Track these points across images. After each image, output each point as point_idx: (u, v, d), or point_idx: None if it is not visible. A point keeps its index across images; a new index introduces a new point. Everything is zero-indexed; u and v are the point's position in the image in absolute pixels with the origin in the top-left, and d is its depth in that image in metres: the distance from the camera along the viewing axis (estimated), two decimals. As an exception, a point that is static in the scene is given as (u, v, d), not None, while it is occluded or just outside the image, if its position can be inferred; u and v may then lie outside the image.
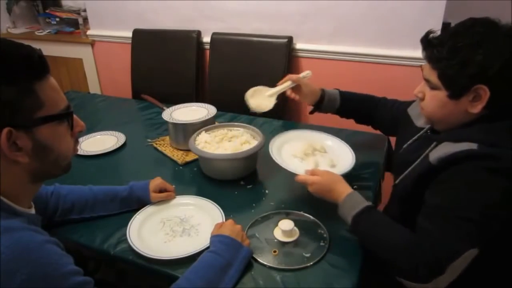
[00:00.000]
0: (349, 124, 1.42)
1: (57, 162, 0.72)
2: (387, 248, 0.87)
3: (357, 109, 1.36)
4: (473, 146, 0.81)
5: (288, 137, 1.26)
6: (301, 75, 1.32)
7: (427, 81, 0.91)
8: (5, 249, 0.57)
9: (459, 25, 0.86)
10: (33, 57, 0.64)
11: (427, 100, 0.92)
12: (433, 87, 0.89)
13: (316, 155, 1.19)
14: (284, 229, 0.95)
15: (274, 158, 1.12)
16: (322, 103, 1.32)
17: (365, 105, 1.35)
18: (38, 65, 0.65)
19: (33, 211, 0.76)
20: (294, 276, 0.87)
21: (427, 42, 0.88)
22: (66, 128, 0.71)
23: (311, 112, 1.37)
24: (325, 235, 0.98)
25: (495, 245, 0.85)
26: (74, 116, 0.74)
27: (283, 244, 0.95)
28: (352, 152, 1.19)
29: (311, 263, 0.90)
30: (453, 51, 0.82)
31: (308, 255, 0.92)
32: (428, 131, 1.02)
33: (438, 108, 0.89)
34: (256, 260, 0.91)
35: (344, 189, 0.96)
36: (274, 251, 0.94)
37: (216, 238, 0.90)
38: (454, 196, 0.81)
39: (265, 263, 0.90)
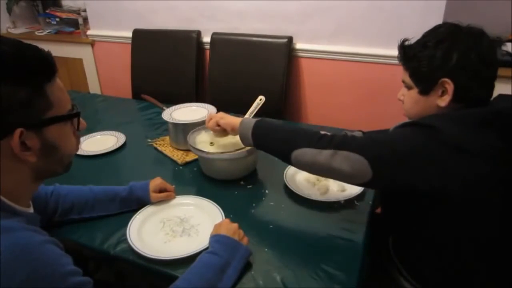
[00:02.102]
0: (350, 124, 1.41)
1: (61, 161, 0.73)
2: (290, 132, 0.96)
3: None
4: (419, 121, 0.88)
5: None
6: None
7: (403, 82, 1.00)
8: (4, 249, 0.57)
9: (428, 30, 0.95)
10: (46, 59, 0.66)
11: (405, 100, 1.00)
12: (407, 87, 0.98)
13: (329, 180, 1.20)
14: None
15: (288, 185, 1.17)
16: None
17: None
18: (48, 67, 0.66)
19: (31, 210, 0.76)
20: (294, 276, 0.87)
21: (400, 46, 0.99)
22: (71, 128, 0.72)
23: None
24: None
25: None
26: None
27: None
28: None
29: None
30: (421, 49, 0.91)
31: None
32: None
33: (412, 105, 0.98)
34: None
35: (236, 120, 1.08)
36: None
37: (213, 239, 0.90)
38: (389, 135, 0.91)
39: None
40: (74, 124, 0.73)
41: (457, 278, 0.91)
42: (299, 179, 1.23)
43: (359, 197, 1.13)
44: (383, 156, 0.84)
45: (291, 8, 1.91)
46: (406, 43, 0.98)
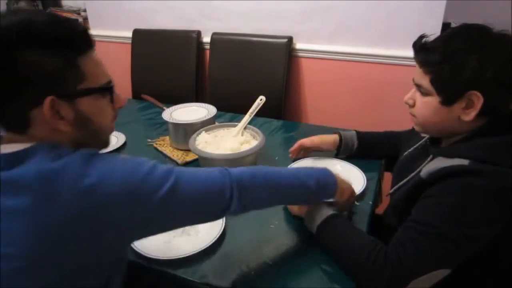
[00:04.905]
0: (349, 124, 1.41)
1: (97, 135, 0.74)
2: (350, 252, 0.86)
3: (375, 149, 1.32)
4: (464, 162, 0.79)
5: (300, 165, 1.28)
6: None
7: (418, 86, 0.89)
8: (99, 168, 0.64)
9: (453, 30, 0.85)
10: (77, 31, 0.67)
11: (419, 107, 0.90)
12: (424, 93, 0.87)
13: None
14: None
15: None
16: (340, 149, 1.30)
17: (385, 142, 1.31)
18: (82, 40, 0.68)
19: None
20: (294, 276, 0.87)
21: (420, 46, 0.86)
22: (107, 102, 0.74)
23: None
24: None
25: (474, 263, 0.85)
26: (116, 92, 0.77)
27: None
28: (364, 175, 1.20)
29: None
30: (447, 55, 0.80)
31: None
32: (427, 141, 1.00)
33: (430, 115, 0.88)
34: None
35: None
36: None
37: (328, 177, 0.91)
38: (435, 213, 0.80)
39: None
40: (110, 100, 0.74)
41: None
42: None
43: (359, 197, 1.13)
44: (463, 249, 0.78)
45: (291, 8, 1.91)
46: (424, 40, 0.85)
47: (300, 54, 1.99)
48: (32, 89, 0.63)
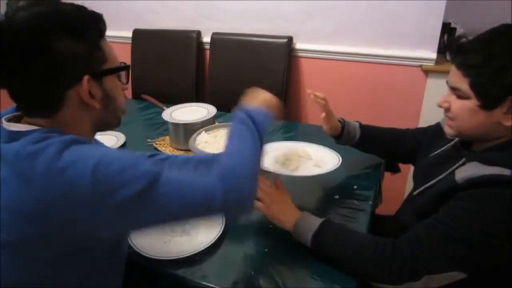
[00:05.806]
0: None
1: (116, 113, 0.81)
2: (355, 252, 0.86)
3: (378, 143, 1.27)
4: (505, 171, 0.76)
5: (269, 148, 1.20)
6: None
7: (454, 89, 0.85)
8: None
9: (493, 31, 0.82)
10: (96, 17, 0.73)
11: (455, 110, 0.86)
12: (461, 96, 0.83)
13: (300, 160, 1.15)
14: None
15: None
16: (341, 138, 1.24)
17: (386, 137, 1.26)
18: (102, 24, 0.74)
19: None
20: (294, 276, 0.87)
21: (459, 47, 0.83)
22: (120, 83, 0.80)
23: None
24: None
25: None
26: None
27: None
28: (337, 154, 1.15)
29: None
30: (488, 58, 0.77)
31: None
32: (458, 143, 0.96)
33: (468, 119, 0.84)
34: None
35: (293, 213, 0.95)
36: None
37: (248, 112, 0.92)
38: (461, 216, 0.78)
39: None
40: (121, 81, 0.80)
41: None
42: (267, 159, 1.15)
43: (359, 196, 1.13)
44: (482, 255, 0.76)
45: (291, 8, 1.91)
46: (463, 40, 0.83)
47: (300, 54, 1.99)
48: (68, 71, 0.68)
